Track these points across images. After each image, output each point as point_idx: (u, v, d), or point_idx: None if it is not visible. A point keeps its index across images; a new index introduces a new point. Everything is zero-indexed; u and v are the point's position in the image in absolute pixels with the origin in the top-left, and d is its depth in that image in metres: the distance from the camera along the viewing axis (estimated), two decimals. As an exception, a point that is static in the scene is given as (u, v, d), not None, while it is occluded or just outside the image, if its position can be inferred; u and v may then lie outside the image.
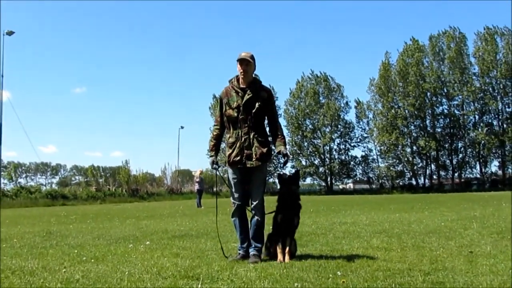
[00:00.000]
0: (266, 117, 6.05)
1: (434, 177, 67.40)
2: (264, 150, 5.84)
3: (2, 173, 57.05)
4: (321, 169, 69.92)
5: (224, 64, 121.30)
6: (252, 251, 5.85)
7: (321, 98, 69.41)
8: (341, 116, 69.25)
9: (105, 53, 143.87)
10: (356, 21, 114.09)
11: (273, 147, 6.20)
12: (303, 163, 69.85)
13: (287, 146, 6.32)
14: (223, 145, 6.82)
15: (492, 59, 60.70)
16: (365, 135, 69.81)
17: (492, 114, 63.68)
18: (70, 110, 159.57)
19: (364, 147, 70.40)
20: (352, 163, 70.43)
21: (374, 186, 68.51)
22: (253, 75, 6.10)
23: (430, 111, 65.13)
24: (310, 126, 69.73)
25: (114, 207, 29.06)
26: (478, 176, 65.29)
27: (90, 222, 14.26)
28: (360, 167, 70.87)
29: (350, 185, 71.89)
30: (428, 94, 64.04)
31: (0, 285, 4.49)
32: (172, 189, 56.24)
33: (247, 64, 5.84)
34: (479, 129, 62.11)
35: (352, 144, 70.13)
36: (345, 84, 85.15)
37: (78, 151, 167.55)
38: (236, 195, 6.00)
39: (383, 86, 64.93)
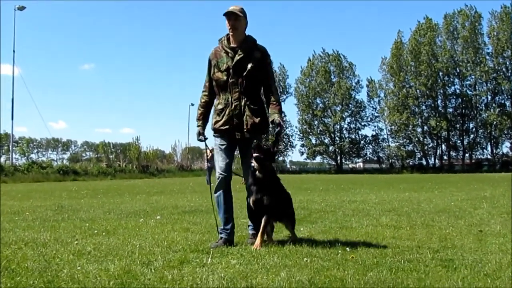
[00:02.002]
0: (260, 81, 5.20)
1: (445, 157, 67.24)
2: (257, 120, 5.01)
3: (14, 148, 57.63)
4: (331, 148, 70.00)
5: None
6: (251, 230, 5.27)
7: (332, 77, 69.17)
8: (352, 95, 69.15)
9: (114, 29, 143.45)
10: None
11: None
12: (313, 141, 69.99)
13: (283, 116, 5.36)
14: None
15: (507, 39, 60.18)
16: (376, 114, 69.84)
17: (505, 95, 63.38)
18: (80, 87, 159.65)
19: (375, 127, 70.53)
20: (362, 142, 70.47)
21: (384, 166, 68.52)
22: (245, 34, 5.20)
23: (441, 91, 64.86)
24: (320, 104, 69.65)
25: (124, 183, 29.27)
26: (489, 157, 65.20)
27: (101, 197, 14.37)
28: (370, 147, 71.02)
29: (360, 164, 71.88)
30: (440, 73, 63.75)
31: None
32: (182, 166, 56.60)
33: (236, 18, 4.98)
34: (491, 110, 61.98)
35: (362, 124, 70.22)
36: (357, 62, 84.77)
37: (88, 127, 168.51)
38: (222, 164, 5.14)
39: (395, 65, 64.73)
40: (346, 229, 6.40)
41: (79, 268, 3.89)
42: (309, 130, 70.08)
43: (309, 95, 69.24)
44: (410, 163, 66.30)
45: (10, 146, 53.87)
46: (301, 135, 71.15)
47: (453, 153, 67.34)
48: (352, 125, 70.40)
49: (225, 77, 5.02)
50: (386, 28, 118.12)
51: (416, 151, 67.68)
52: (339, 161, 70.12)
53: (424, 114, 65.95)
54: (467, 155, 65.93)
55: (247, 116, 4.97)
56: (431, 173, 55.24)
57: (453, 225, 6.60)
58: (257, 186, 4.91)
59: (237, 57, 4.99)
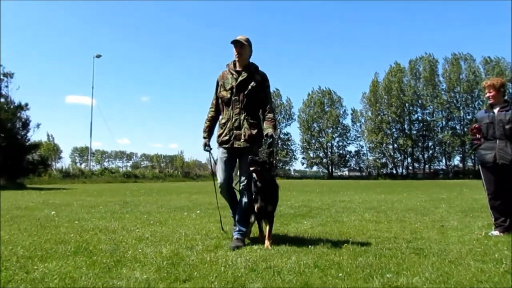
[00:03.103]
0: (259, 100, 4.61)
1: (410, 168, 66.62)
2: (254, 132, 4.45)
3: (92, 157, 57.96)
4: (324, 160, 69.91)
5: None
6: (236, 235, 4.41)
7: (325, 107, 69.37)
8: (340, 121, 69.29)
9: (165, 69, 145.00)
10: (353, 49, 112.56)
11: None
12: (311, 155, 70.19)
13: (276, 130, 4.72)
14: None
15: (456, 78, 60.37)
16: (358, 135, 69.80)
17: (456, 121, 62.99)
18: (140, 113, 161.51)
19: (357, 144, 70.46)
20: (348, 156, 70.38)
21: (364, 174, 67.95)
22: (249, 61, 4.70)
23: (408, 118, 64.71)
24: (317, 128, 69.78)
25: (171, 185, 29.31)
26: (444, 167, 64.41)
27: (155, 195, 14.38)
28: (354, 159, 70.84)
29: (346, 173, 71.33)
30: (407, 104, 63.71)
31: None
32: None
33: (241, 46, 4.52)
34: (445, 132, 61.85)
35: (348, 142, 70.19)
36: (344, 96, 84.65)
37: (145, 142, 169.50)
38: (221, 174, 4.56)
39: (372, 98, 64.88)
40: (338, 222, 6.24)
41: (140, 250, 3.84)
42: (308, 147, 70.21)
43: (308, 121, 69.48)
44: (384, 172, 65.75)
45: (89, 156, 54.39)
46: (302, 150, 71.40)
47: (416, 165, 66.81)
48: (340, 143, 70.33)
49: (229, 95, 4.53)
50: (365, 69, 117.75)
51: (388, 162, 67.28)
52: (330, 170, 69.82)
53: (394, 135, 65.68)
54: (427, 166, 65.38)
55: (245, 128, 4.44)
56: (400, 179, 54.58)
57: (420, 220, 6.39)
58: (260, 196, 4.32)
59: (240, 78, 4.51)
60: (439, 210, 8.11)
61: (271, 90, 4.70)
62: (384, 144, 65.56)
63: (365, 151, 69.89)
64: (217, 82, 4.70)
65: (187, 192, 16.58)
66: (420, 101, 63.93)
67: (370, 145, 67.02)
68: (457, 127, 62.91)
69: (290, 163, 73.67)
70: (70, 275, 2.90)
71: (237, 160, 4.60)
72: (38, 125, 21.10)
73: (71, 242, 4.28)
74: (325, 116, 68.32)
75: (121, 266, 3.19)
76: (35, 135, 40.06)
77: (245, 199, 4.46)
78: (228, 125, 4.50)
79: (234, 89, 4.50)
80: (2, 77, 20.04)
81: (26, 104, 20.67)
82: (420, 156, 65.71)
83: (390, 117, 64.24)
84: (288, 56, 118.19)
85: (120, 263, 3.31)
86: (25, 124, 20.48)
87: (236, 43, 4.52)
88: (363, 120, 68.76)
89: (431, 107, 63.35)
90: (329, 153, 69.79)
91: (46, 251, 3.74)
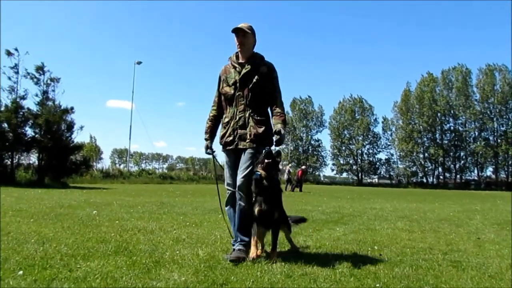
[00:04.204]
0: (266, 94, 3.94)
1: (441, 177, 64.68)
2: (260, 130, 3.80)
3: (130, 159, 59.29)
4: (354, 167, 69.11)
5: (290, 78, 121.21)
6: (237, 246, 3.73)
7: (356, 115, 68.64)
8: (371, 129, 68.49)
9: (200, 76, 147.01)
10: (385, 57, 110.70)
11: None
12: (341, 161, 69.64)
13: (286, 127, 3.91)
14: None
15: (490, 89, 58.28)
16: (389, 143, 68.83)
17: (489, 131, 60.84)
18: (175, 117, 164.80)
19: (388, 152, 69.50)
20: (378, 163, 69.35)
21: (394, 182, 66.51)
22: (253, 51, 4.02)
23: (439, 127, 63.17)
24: (347, 135, 69.16)
25: (205, 187, 29.53)
26: (476, 178, 62.09)
27: (190, 196, 14.49)
28: (384, 167, 69.73)
29: (375, 180, 70.04)
30: (439, 114, 62.25)
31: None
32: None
33: (244, 35, 3.87)
34: (478, 142, 59.72)
35: (378, 150, 69.35)
36: (375, 105, 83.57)
37: (181, 146, 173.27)
38: (229, 181, 3.97)
39: (404, 107, 63.79)
40: (371, 230, 6.06)
41: (177, 252, 3.84)
42: (338, 153, 69.54)
43: (339, 128, 68.87)
44: (414, 180, 64.21)
45: (128, 158, 55.70)
46: (332, 156, 70.77)
47: (447, 174, 64.82)
48: (370, 151, 69.32)
49: (232, 91, 3.91)
50: (397, 79, 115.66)
51: (418, 171, 65.66)
52: (360, 177, 68.76)
53: (425, 144, 64.11)
54: (458, 176, 63.26)
55: (251, 126, 3.81)
56: (430, 188, 53.10)
57: (455, 232, 6.11)
58: (263, 197, 3.63)
59: (244, 71, 3.89)
60: (474, 221, 7.76)
61: (279, 83, 4.03)
62: (415, 153, 64.20)
63: (395, 159, 68.73)
64: (219, 78, 4.09)
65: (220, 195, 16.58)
66: (452, 111, 62.30)
67: (401, 153, 65.82)
68: (490, 138, 60.80)
69: (320, 169, 73.19)
70: (111, 275, 2.91)
71: None
72: (81, 127, 21.74)
73: (111, 241, 4.33)
74: (356, 124, 67.60)
75: (159, 267, 3.18)
76: (78, 137, 41.32)
77: (242, 203, 3.71)
78: (231, 124, 3.91)
79: (237, 84, 3.90)
80: (49, 81, 20.77)
81: (72, 108, 21.37)
82: (452, 166, 63.83)
83: (421, 126, 62.89)
84: (321, 63, 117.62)
85: (158, 264, 3.31)
86: (70, 126, 21.15)
87: (237, 32, 3.87)
88: (394, 129, 67.76)
89: (464, 117, 61.65)
90: (359, 160, 68.90)
91: (88, 250, 3.80)
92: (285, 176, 26.96)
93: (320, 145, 72.02)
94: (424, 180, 64.66)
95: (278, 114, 3.88)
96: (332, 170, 72.02)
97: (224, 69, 4.07)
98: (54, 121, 20.01)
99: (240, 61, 3.96)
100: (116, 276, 2.90)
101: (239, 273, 3.05)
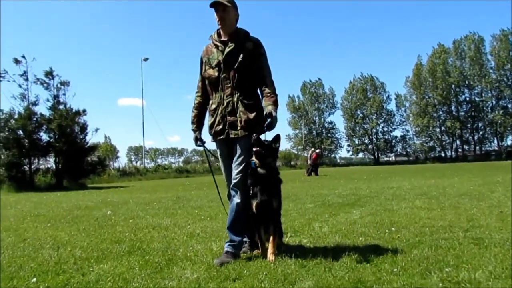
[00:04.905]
0: (254, 73, 3.48)
1: (459, 150, 63.75)
2: (251, 115, 3.40)
3: (146, 155, 59.86)
4: (370, 146, 68.72)
5: (307, 63, 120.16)
6: (226, 247, 3.35)
7: (368, 94, 67.92)
8: (384, 106, 67.84)
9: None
10: (393, 32, 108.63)
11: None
12: (356, 142, 69.27)
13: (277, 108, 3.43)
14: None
15: (506, 55, 56.76)
16: (403, 119, 68.11)
17: (507, 99, 59.49)
18: (186, 110, 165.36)
19: (403, 129, 68.91)
20: (393, 141, 68.81)
21: (411, 158, 65.87)
22: (236, 26, 3.55)
23: (454, 99, 62.07)
24: (360, 114, 68.60)
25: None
26: (496, 148, 60.98)
27: (206, 189, 14.48)
28: (400, 144, 69.16)
29: (392, 158, 69.47)
30: (453, 86, 61.23)
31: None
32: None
33: (223, 9, 3.39)
34: (496, 112, 58.51)
35: (393, 127, 68.84)
36: (387, 81, 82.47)
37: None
38: (226, 174, 3.64)
39: (416, 82, 62.92)
40: (388, 211, 5.93)
41: (190, 248, 3.81)
42: (353, 134, 69.07)
43: (351, 108, 68.27)
44: (432, 156, 63.48)
45: (143, 154, 56.11)
46: (347, 137, 70.33)
47: (466, 147, 63.85)
48: (385, 129, 68.69)
49: (216, 73, 3.47)
50: (407, 54, 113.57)
51: (436, 146, 64.93)
52: (376, 156, 68.26)
53: (441, 117, 63.16)
54: (477, 147, 62.22)
55: (241, 112, 3.40)
56: (449, 162, 52.38)
57: (476, 206, 5.93)
58: (260, 186, 3.28)
59: (227, 50, 3.44)
60: (496, 194, 7.56)
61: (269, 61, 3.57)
62: (431, 127, 63.38)
63: (411, 135, 68.08)
64: (201, 60, 3.63)
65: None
66: (467, 82, 61.11)
67: (416, 129, 65.02)
68: (509, 106, 59.47)
69: (335, 151, 72.92)
70: (123, 277, 2.88)
71: None
72: (96, 130, 22.00)
73: (125, 241, 4.32)
74: (368, 103, 66.96)
75: (172, 265, 3.15)
76: (93, 138, 41.81)
77: (237, 199, 3.37)
78: (219, 111, 3.49)
79: (221, 65, 3.45)
80: (59, 85, 20.95)
81: (84, 110, 21.56)
82: (470, 137, 62.88)
83: (435, 100, 61.90)
84: (328, 44, 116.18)
85: (171, 261, 3.27)
86: (83, 128, 21.37)
87: (216, 6, 3.40)
88: (407, 105, 66.97)
89: (479, 87, 60.43)
90: (374, 139, 68.39)
91: (102, 252, 3.79)
92: (309, 161, 26.22)
93: (334, 127, 71.62)
94: (442, 154, 63.93)
95: (269, 94, 3.45)
96: (348, 151, 71.76)
97: (206, 50, 3.62)
98: (66, 124, 20.22)
99: (222, 39, 3.52)
100: (128, 277, 2.87)
101: (252, 266, 2.99)
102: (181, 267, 3.09)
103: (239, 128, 3.42)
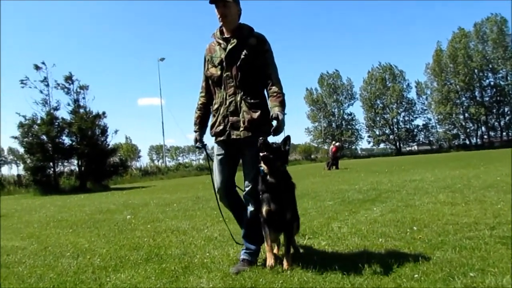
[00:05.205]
0: (258, 71, 3.28)
1: (485, 137, 62.00)
2: (255, 115, 3.19)
3: (167, 154, 60.53)
4: (391, 136, 67.58)
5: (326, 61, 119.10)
6: (243, 255, 3.27)
7: (387, 83, 66.71)
8: (404, 95, 66.53)
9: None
10: (410, 19, 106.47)
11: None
12: (377, 132, 68.21)
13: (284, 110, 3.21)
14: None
15: (532, 35, 54.48)
16: (425, 108, 66.63)
17: (535, 81, 57.18)
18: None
19: (425, 117, 67.42)
20: (415, 130, 67.42)
21: (434, 147, 64.50)
22: (239, 22, 3.38)
23: (478, 84, 60.16)
24: (380, 104, 67.47)
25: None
26: (524, 133, 59.03)
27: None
28: (422, 133, 67.72)
29: (415, 147, 68.19)
30: (475, 70, 59.35)
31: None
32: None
33: (224, 5, 3.22)
34: (523, 95, 56.47)
35: (414, 116, 67.40)
36: (406, 69, 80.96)
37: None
38: (218, 178, 3.41)
39: (437, 68, 61.32)
40: (410, 207, 5.75)
41: (207, 254, 3.77)
42: (373, 124, 68.06)
43: (371, 98, 67.25)
44: (456, 143, 61.99)
45: (164, 153, 56.78)
46: (367, 128, 69.36)
47: (492, 133, 62.00)
48: (406, 118, 67.36)
49: (219, 72, 3.31)
50: (426, 40, 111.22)
51: (460, 133, 63.29)
52: (398, 146, 67.12)
53: (465, 104, 61.45)
54: (504, 133, 60.41)
55: (244, 112, 3.21)
56: (474, 150, 51.06)
57: (503, 200, 5.65)
58: (270, 194, 3.07)
59: (229, 46, 3.28)
60: (524, 185, 7.26)
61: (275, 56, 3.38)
62: (454, 115, 61.80)
63: (433, 124, 66.63)
64: (204, 59, 3.48)
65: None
66: (490, 66, 59.12)
67: (439, 117, 63.55)
68: (536, 88, 57.42)
69: (356, 143, 72.11)
70: (139, 287, 2.88)
71: (238, 157, 3.41)
72: (116, 131, 22.40)
73: (144, 247, 4.33)
74: (388, 92, 65.85)
75: (188, 274, 3.12)
76: (114, 139, 42.51)
77: (251, 208, 3.27)
78: (221, 111, 3.31)
79: (224, 63, 3.30)
80: (79, 90, 21.33)
81: (104, 113, 21.96)
82: (496, 123, 61.05)
83: (458, 86, 60.26)
84: (345, 35, 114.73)
85: (188, 269, 3.25)
86: (103, 131, 21.76)
87: (217, 2, 3.25)
88: (429, 92, 65.50)
89: (504, 70, 58.41)
90: (395, 129, 67.24)
91: (120, 259, 3.80)
92: (331, 155, 25.63)
93: (353, 118, 70.76)
94: (467, 142, 62.29)
95: (275, 94, 3.22)
96: (369, 142, 70.78)
97: (209, 48, 3.46)
98: (86, 127, 20.61)
99: (225, 36, 3.36)
100: (144, 287, 2.86)
101: (268, 274, 2.93)
102: (197, 275, 3.06)
103: (242, 128, 3.21)
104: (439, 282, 2.50)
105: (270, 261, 3.06)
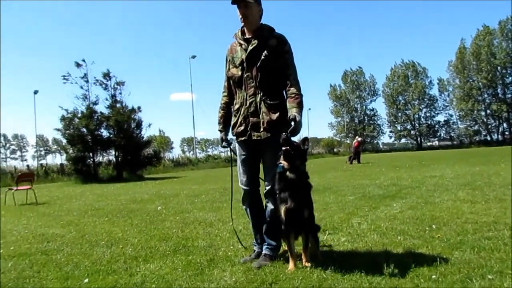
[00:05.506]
0: (278, 72, 3.17)
1: (506, 133, 59.63)
2: (274, 116, 3.10)
3: (197, 146, 61.24)
4: (412, 132, 65.94)
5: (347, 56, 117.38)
6: (264, 250, 3.25)
7: (410, 79, 65.12)
8: (426, 92, 64.77)
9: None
10: (434, 17, 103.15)
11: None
12: (399, 128, 66.83)
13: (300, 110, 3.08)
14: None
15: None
16: (446, 104, 64.69)
17: (557, 79, 54.49)
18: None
19: (446, 114, 65.59)
20: (436, 126, 65.58)
21: (455, 143, 62.59)
22: (260, 23, 3.25)
23: (500, 82, 57.79)
24: (402, 101, 65.96)
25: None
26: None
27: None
28: (444, 129, 65.81)
29: (436, 143, 66.40)
30: (499, 68, 57.00)
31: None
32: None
33: (246, 5, 3.11)
34: (546, 92, 53.91)
35: (436, 112, 65.67)
36: (428, 66, 78.72)
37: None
38: (242, 178, 3.38)
39: (460, 65, 59.35)
40: (430, 204, 5.59)
41: (231, 247, 3.78)
42: (395, 120, 66.67)
43: (393, 94, 65.83)
44: (477, 139, 59.91)
45: (194, 145, 57.44)
46: (389, 124, 67.99)
47: (514, 129, 59.65)
48: (428, 114, 65.62)
49: (240, 72, 3.22)
50: (449, 38, 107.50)
51: (481, 129, 61.12)
52: (419, 141, 65.51)
53: (486, 101, 59.28)
54: (526, 130, 58.05)
55: (263, 113, 3.13)
56: (495, 146, 49.22)
57: (524, 198, 5.42)
58: (289, 191, 2.91)
59: (250, 47, 3.17)
60: (545, 183, 6.93)
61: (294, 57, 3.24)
62: (476, 111, 59.72)
63: (454, 120, 64.68)
64: (226, 59, 3.39)
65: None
66: (514, 63, 56.56)
67: (460, 113, 61.65)
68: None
69: (378, 138, 70.92)
70: (166, 278, 2.90)
71: (260, 156, 3.30)
72: (149, 125, 22.87)
73: (172, 238, 4.37)
74: (410, 89, 64.31)
75: (213, 267, 3.12)
76: (148, 132, 43.25)
77: (271, 206, 3.17)
78: (242, 111, 3.23)
79: (244, 64, 3.19)
80: (116, 86, 21.74)
81: (139, 107, 22.31)
82: (518, 120, 58.52)
83: (480, 83, 58.13)
84: (368, 33, 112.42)
85: (212, 262, 3.25)
86: (138, 124, 22.14)
87: (239, 2, 3.14)
88: (451, 89, 63.60)
89: (528, 67, 55.75)
90: (416, 125, 65.64)
91: (150, 250, 3.85)
92: (353, 149, 25.28)
93: (376, 114, 69.49)
94: (488, 138, 60.14)
95: (293, 95, 3.11)
96: (390, 137, 69.51)
97: (230, 49, 3.36)
98: (123, 120, 21.01)
99: (246, 36, 3.25)
100: (171, 279, 2.88)
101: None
102: (221, 268, 3.06)
103: (261, 129, 3.14)
104: (457, 284, 2.41)
105: (291, 265, 2.93)
